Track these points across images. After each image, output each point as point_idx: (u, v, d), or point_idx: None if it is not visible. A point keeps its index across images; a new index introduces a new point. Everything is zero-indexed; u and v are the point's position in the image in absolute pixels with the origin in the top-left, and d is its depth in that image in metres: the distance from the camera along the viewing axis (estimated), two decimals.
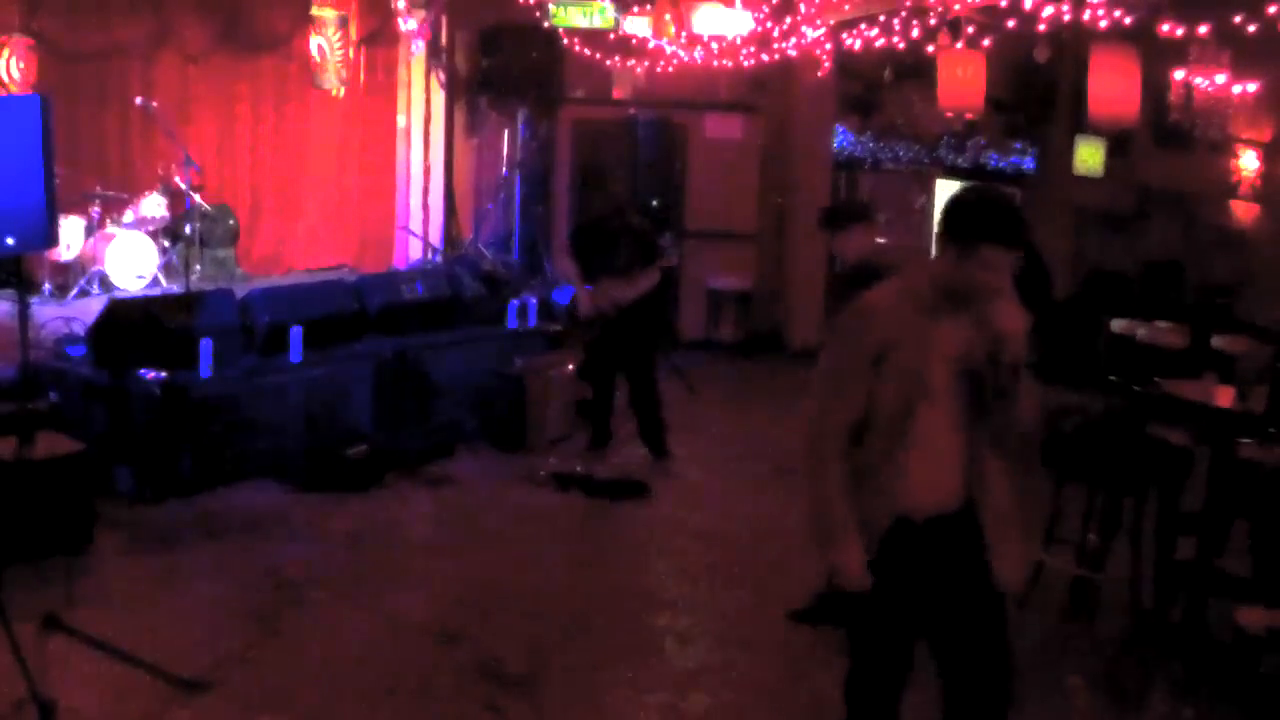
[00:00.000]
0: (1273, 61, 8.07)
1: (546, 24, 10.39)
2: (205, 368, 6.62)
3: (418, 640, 4.99)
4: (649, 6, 10.08)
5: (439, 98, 11.29)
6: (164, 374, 6.47)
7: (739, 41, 9.77)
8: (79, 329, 7.29)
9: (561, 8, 10.22)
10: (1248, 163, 9.13)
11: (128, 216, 9.45)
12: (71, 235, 9.02)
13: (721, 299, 11.37)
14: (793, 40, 9.38)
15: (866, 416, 3.23)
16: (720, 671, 4.91)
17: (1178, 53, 8.13)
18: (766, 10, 9.36)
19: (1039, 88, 10.44)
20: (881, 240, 7.21)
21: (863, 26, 8.78)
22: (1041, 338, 8.53)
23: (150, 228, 9.50)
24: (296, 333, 7.16)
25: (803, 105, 11.37)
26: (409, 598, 5.37)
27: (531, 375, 7.89)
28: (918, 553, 3.25)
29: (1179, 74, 8.61)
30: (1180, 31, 6.80)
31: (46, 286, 8.96)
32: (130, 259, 9.20)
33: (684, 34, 9.79)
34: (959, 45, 8.19)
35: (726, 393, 9.67)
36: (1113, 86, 7.37)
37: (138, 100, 9.28)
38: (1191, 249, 9.59)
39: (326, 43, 10.61)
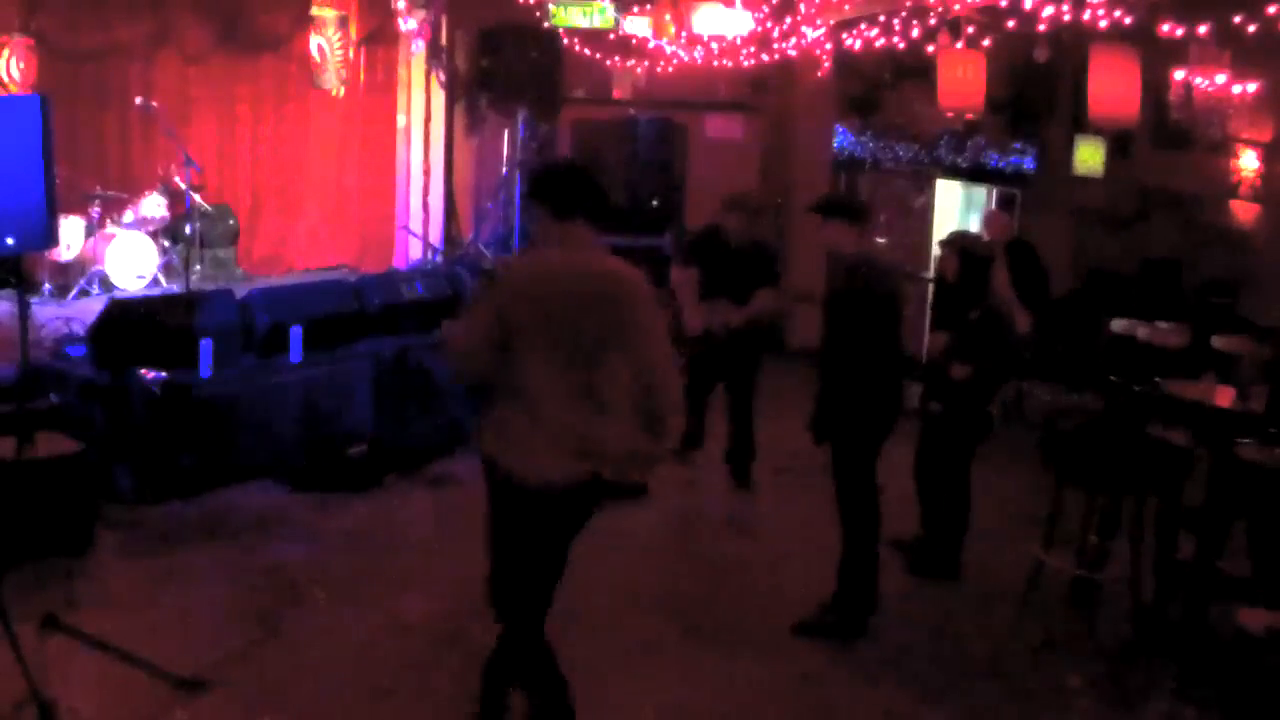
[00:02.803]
0: (1273, 61, 8.07)
1: (546, 24, 10.39)
2: (205, 368, 6.62)
3: (418, 640, 5.00)
4: (649, 6, 10.09)
5: (439, 98, 11.30)
6: (164, 374, 6.47)
7: (739, 41, 9.77)
8: (79, 329, 7.29)
9: (561, 8, 10.22)
10: (1248, 163, 9.12)
11: (128, 216, 9.45)
12: (71, 235, 9.02)
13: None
14: (793, 40, 9.38)
15: None
16: (722, 671, 4.91)
17: (1178, 53, 8.12)
18: (766, 10, 9.36)
19: (1039, 88, 10.43)
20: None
21: (863, 26, 8.77)
22: (1040, 337, 8.56)
23: (150, 228, 9.50)
24: (296, 333, 7.15)
25: (803, 105, 11.37)
26: (409, 598, 5.38)
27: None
28: None
29: (1179, 74, 8.60)
30: (1180, 31, 6.80)
31: (46, 286, 8.96)
32: (130, 259, 9.20)
33: (684, 34, 9.79)
34: (959, 45, 8.18)
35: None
36: (1113, 86, 7.36)
37: (138, 100, 9.29)
38: (1191, 249, 9.58)
39: (326, 43, 10.61)
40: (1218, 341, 7.58)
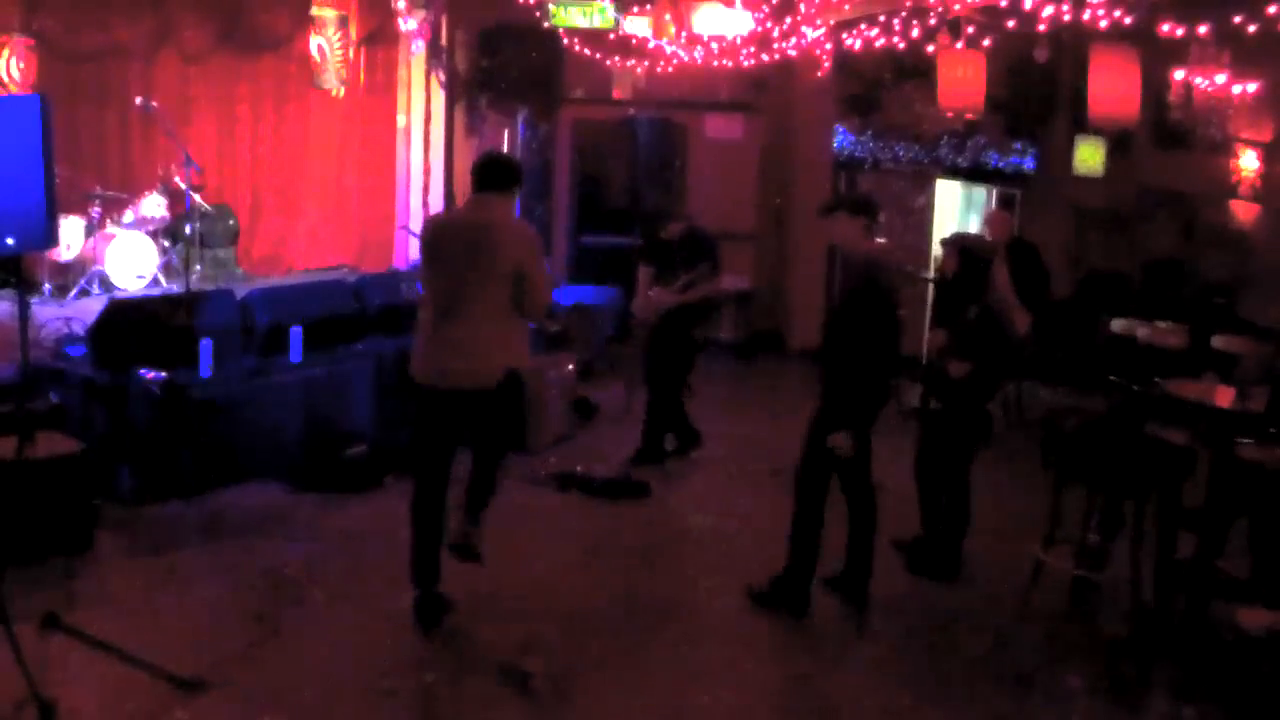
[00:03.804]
0: (1273, 61, 8.07)
1: (546, 24, 10.39)
2: (205, 368, 6.62)
3: (418, 640, 5.00)
4: (649, 6, 10.08)
5: (439, 98, 11.29)
6: (164, 374, 6.47)
7: (739, 41, 9.76)
8: (79, 329, 7.29)
9: (561, 8, 10.22)
10: (1248, 163, 9.12)
11: (128, 216, 9.46)
12: (71, 235, 9.02)
13: (722, 300, 11.37)
14: (793, 40, 9.38)
15: None
16: (721, 671, 4.91)
17: (1178, 53, 8.12)
18: (766, 10, 9.35)
19: (1039, 88, 10.44)
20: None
21: (863, 26, 8.77)
22: (1041, 337, 8.57)
23: (150, 228, 9.51)
24: (296, 333, 7.15)
25: (803, 105, 11.37)
26: (409, 598, 5.36)
27: (531, 375, 7.89)
28: None
29: (1179, 74, 8.60)
30: (1180, 31, 6.79)
31: (46, 286, 8.96)
32: (130, 259, 9.20)
33: (684, 34, 9.78)
34: (959, 45, 8.18)
35: (726, 393, 9.67)
36: (1113, 86, 7.36)
37: (138, 100, 9.29)
38: (1191, 249, 9.59)
39: (326, 43, 10.61)
40: (1218, 341, 7.58)
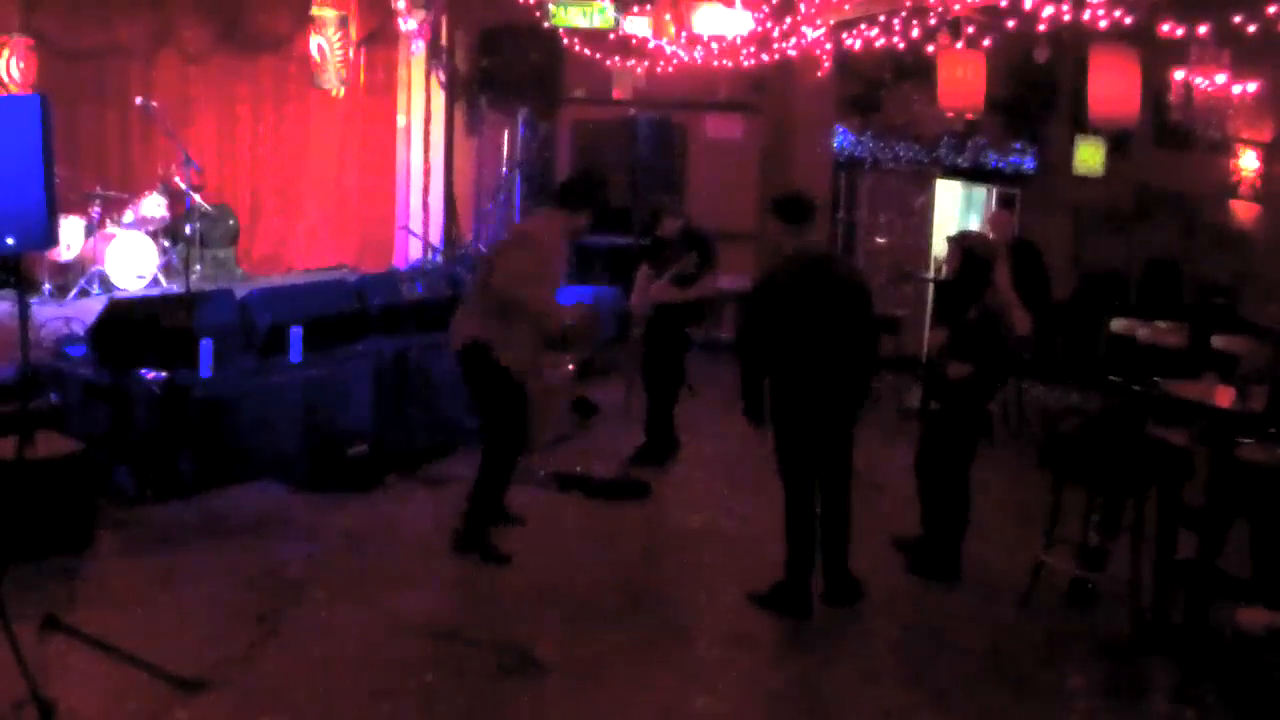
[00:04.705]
0: (1273, 61, 8.08)
1: (546, 24, 10.39)
2: (205, 368, 6.62)
3: (418, 640, 4.99)
4: (649, 6, 10.08)
5: (439, 98, 11.30)
6: (164, 374, 6.47)
7: (739, 41, 9.77)
8: (79, 329, 7.29)
9: (561, 8, 10.22)
10: (1248, 163, 9.13)
11: (128, 216, 9.46)
12: (71, 235, 9.03)
13: (721, 299, 11.37)
14: (793, 40, 9.38)
15: None
16: (720, 670, 4.91)
17: (1178, 53, 8.12)
18: (766, 10, 9.35)
19: (1039, 88, 10.45)
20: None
21: (863, 26, 8.78)
22: (1041, 338, 8.58)
23: (150, 228, 9.51)
24: (296, 333, 7.15)
25: (803, 105, 11.37)
26: (409, 598, 5.38)
27: (531, 375, 7.87)
28: None
29: (1179, 74, 8.61)
30: (1180, 31, 6.80)
31: (46, 286, 8.96)
32: (130, 259, 9.20)
33: (684, 34, 9.79)
34: (959, 45, 8.18)
35: (726, 393, 9.65)
36: (1113, 86, 7.37)
37: (138, 100, 9.29)
38: (1191, 249, 9.60)
39: (326, 43, 10.61)
40: (1218, 341, 7.58)
